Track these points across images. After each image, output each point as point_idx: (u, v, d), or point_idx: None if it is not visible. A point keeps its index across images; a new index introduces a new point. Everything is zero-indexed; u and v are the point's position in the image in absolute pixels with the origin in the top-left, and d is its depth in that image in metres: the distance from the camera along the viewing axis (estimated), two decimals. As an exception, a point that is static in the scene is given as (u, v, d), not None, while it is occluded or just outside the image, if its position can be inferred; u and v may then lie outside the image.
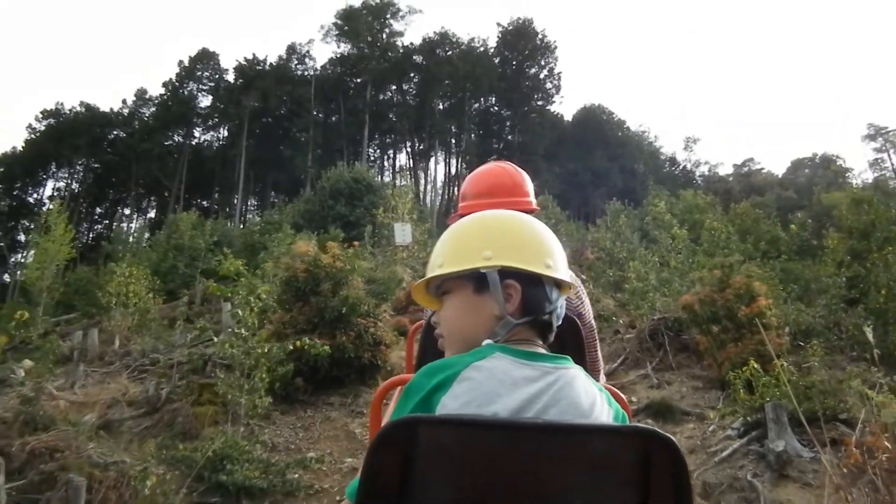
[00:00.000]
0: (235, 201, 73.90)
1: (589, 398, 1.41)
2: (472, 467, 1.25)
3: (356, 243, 14.42)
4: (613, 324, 14.31)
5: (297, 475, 7.91)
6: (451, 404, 1.39)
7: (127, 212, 76.27)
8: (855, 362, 10.94)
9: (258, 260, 20.73)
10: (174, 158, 73.16)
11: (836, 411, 7.86)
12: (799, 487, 6.83)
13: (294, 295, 10.87)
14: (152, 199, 78.41)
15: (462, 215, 2.50)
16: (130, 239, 42.04)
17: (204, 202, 74.91)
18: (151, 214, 75.18)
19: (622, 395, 1.93)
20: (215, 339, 9.88)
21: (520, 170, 3.10)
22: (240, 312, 8.73)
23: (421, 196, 72.49)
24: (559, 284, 1.64)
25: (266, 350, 8.57)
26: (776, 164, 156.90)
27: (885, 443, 5.19)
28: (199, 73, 77.24)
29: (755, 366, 8.44)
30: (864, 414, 7.34)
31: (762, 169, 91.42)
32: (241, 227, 49.92)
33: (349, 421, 9.75)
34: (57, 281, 25.10)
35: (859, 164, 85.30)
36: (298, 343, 8.86)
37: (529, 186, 3.05)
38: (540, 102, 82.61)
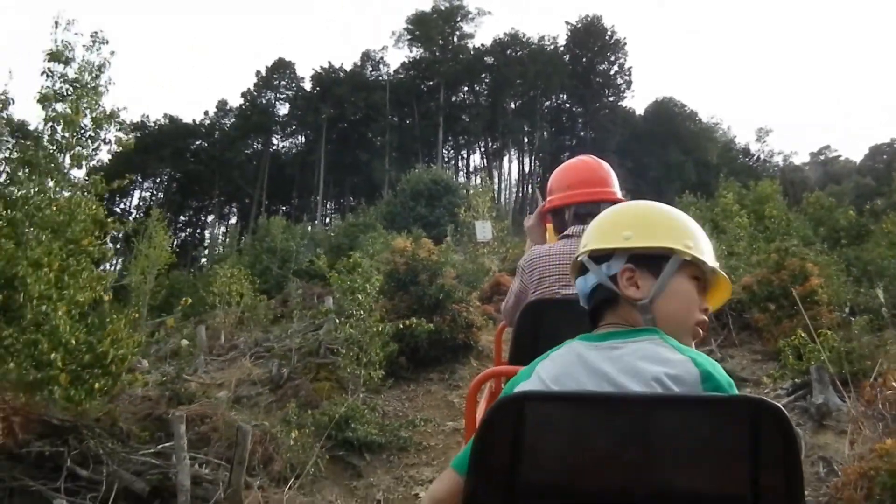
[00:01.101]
0: (315, 205, 75.92)
1: (651, 367, 1.42)
2: (579, 442, 1.30)
3: (447, 239, 15.93)
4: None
5: (407, 434, 9.46)
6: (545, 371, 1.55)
7: (210, 218, 79.07)
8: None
9: (347, 258, 22.33)
10: (254, 166, 75.53)
11: (873, 371, 9.00)
12: (835, 434, 8.04)
13: (395, 285, 12.46)
14: (233, 205, 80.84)
15: (551, 209, 3.33)
16: (217, 244, 44.31)
17: (283, 207, 76.97)
18: (233, 220, 77.47)
19: None
20: (337, 320, 11.40)
21: (604, 163, 3.34)
22: (359, 297, 10.32)
23: (495, 194, 73.72)
24: None
25: (380, 329, 10.17)
26: (854, 151, 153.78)
27: (893, 382, 6.44)
28: (277, 82, 79.53)
29: (802, 335, 9.64)
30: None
31: (839, 156, 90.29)
32: (327, 230, 51.74)
33: (447, 393, 11.26)
34: (159, 285, 26.95)
35: None
36: (407, 322, 10.51)
37: (614, 178, 3.27)
38: (611, 98, 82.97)
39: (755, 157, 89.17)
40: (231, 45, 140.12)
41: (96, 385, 7.82)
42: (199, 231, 78.74)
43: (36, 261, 7.12)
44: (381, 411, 10.34)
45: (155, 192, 74.77)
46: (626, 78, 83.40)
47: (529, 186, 76.22)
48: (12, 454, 7.98)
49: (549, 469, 1.30)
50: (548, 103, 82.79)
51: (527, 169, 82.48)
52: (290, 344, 13.31)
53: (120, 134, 9.37)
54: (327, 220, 74.78)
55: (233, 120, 78.20)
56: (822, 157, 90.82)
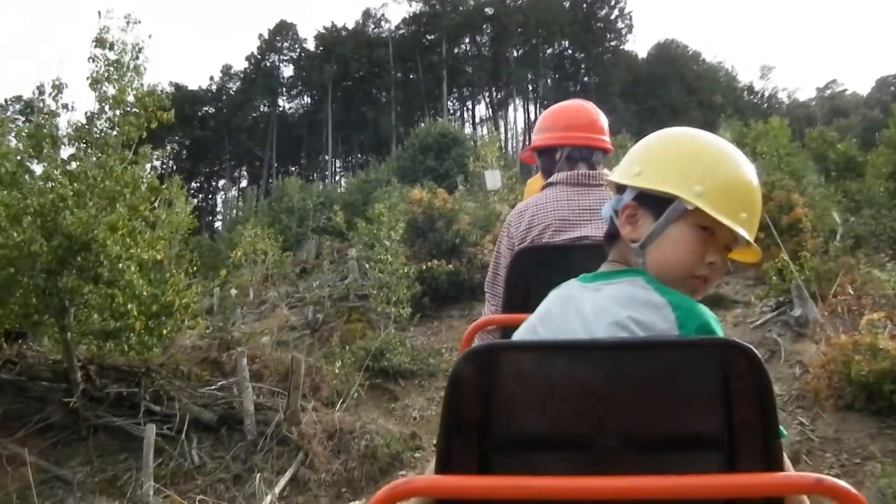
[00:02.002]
0: (325, 164, 76.80)
1: (609, 310, 1.40)
2: (550, 390, 1.29)
3: (460, 188, 17.05)
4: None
5: (435, 361, 10.75)
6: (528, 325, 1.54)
7: (221, 183, 79.99)
8: (893, 260, 13.05)
9: (363, 213, 23.39)
10: (262, 128, 76.24)
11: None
12: (811, 342, 9.17)
13: (415, 233, 13.70)
14: (243, 168, 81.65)
15: (536, 148, 3.17)
16: (231, 208, 45.39)
17: (293, 167, 77.66)
18: (244, 184, 78.15)
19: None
20: (367, 265, 12.67)
21: (597, 109, 3.17)
22: (387, 242, 11.55)
23: (502, 144, 74.39)
24: None
25: (406, 271, 11.42)
26: (861, 85, 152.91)
27: (850, 290, 7.57)
28: (280, 44, 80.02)
29: (784, 258, 10.73)
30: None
31: (846, 90, 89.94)
32: (339, 188, 52.74)
33: (468, 326, 12.43)
34: (184, 249, 28.09)
35: None
36: (428, 265, 11.77)
37: (605, 126, 3.10)
38: (613, 43, 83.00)
39: (760, 95, 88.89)
40: (233, 9, 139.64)
41: (164, 331, 9.01)
42: (210, 196, 79.69)
43: (112, 225, 8.24)
44: (410, 345, 11.56)
45: (165, 161, 75.71)
46: (627, 22, 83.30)
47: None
48: (93, 397, 9.22)
49: (521, 419, 1.31)
50: (550, 51, 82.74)
51: (532, 117, 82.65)
52: (320, 293, 14.53)
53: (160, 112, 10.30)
54: (337, 177, 75.58)
55: (238, 84, 78.70)
56: (828, 92, 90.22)
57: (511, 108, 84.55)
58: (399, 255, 11.87)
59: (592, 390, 1.28)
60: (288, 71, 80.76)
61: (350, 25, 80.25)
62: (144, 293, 8.68)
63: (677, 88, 77.66)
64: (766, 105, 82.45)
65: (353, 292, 13.66)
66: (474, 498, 1.21)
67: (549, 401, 1.29)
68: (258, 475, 7.90)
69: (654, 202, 1.46)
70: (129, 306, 8.45)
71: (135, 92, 9.98)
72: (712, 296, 11.89)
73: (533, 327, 1.50)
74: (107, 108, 9.81)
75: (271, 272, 20.31)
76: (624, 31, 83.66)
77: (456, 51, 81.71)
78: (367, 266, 12.72)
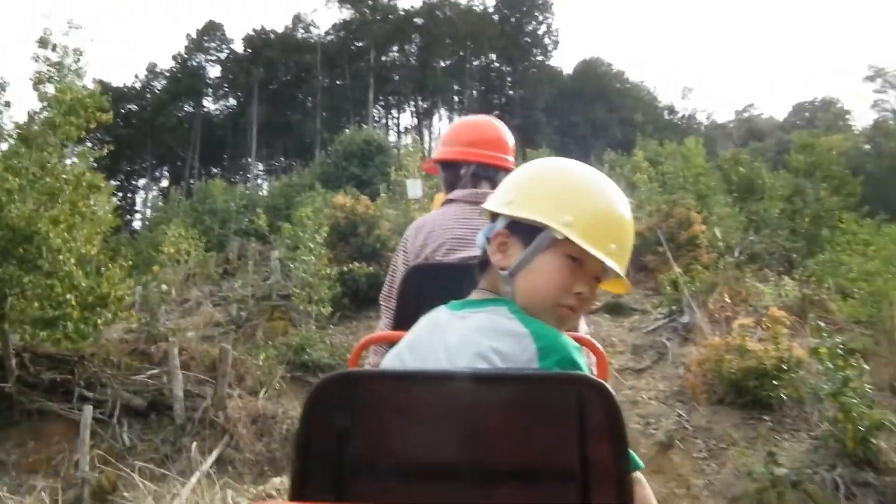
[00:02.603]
0: (247, 166, 76.62)
1: (470, 340, 1.41)
2: (408, 420, 1.31)
3: (382, 195, 17.89)
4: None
5: (353, 358, 11.50)
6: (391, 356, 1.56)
7: (142, 182, 79.12)
8: (780, 274, 14.19)
9: (286, 216, 23.95)
10: (185, 128, 75.72)
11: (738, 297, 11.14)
12: (696, 346, 10.14)
13: (337, 237, 14.42)
14: (164, 168, 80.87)
15: (441, 161, 3.07)
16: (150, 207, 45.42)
17: (215, 169, 77.29)
18: (164, 183, 77.40)
19: (596, 346, 2.09)
20: (292, 265, 13.34)
21: (505, 127, 3.14)
22: (311, 244, 12.25)
23: (426, 153, 74.91)
24: None
25: (328, 272, 12.15)
26: (777, 110, 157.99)
27: (726, 298, 8.56)
28: (207, 44, 79.65)
29: (678, 270, 11.75)
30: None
31: (762, 114, 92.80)
32: (261, 191, 52.98)
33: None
34: (104, 248, 28.23)
35: (861, 106, 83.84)
36: (349, 266, 12.52)
37: (512, 145, 3.09)
38: (539, 58, 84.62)
39: (679, 115, 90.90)
40: (159, 7, 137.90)
41: (99, 321, 9.57)
42: (130, 196, 78.73)
43: (55, 218, 8.79)
44: (330, 342, 12.26)
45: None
46: (554, 38, 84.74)
47: (460, 145, 77.22)
48: (27, 383, 9.72)
49: (378, 447, 1.31)
50: (477, 63, 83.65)
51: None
52: (243, 292, 15.13)
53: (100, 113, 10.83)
54: (259, 180, 75.51)
55: (163, 83, 78.11)
56: (745, 115, 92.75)
57: (436, 117, 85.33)
58: (322, 257, 12.61)
59: (449, 421, 1.29)
60: (214, 72, 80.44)
61: (280, 29, 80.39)
62: (82, 284, 9.25)
63: (600, 105, 78.76)
64: (685, 125, 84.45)
65: (276, 292, 14.30)
66: None
67: (405, 430, 1.31)
68: (187, 455, 8.53)
69: (524, 231, 1.48)
70: (68, 296, 9.02)
71: (74, 94, 10.48)
72: (612, 304, 12.89)
73: (400, 354, 1.52)
74: (47, 107, 10.34)
75: (194, 272, 20.74)
76: (550, 47, 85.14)
77: (384, 59, 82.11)
78: (291, 266, 13.40)
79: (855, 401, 6.48)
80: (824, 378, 7.14)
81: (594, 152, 52.40)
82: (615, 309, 12.83)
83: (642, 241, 14.51)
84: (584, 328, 2.71)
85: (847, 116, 69.58)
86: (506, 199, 1.52)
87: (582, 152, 67.71)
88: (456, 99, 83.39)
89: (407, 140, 70.65)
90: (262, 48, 75.66)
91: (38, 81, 10.22)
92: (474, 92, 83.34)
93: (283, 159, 77.90)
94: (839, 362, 6.81)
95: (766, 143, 58.85)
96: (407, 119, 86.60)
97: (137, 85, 78.38)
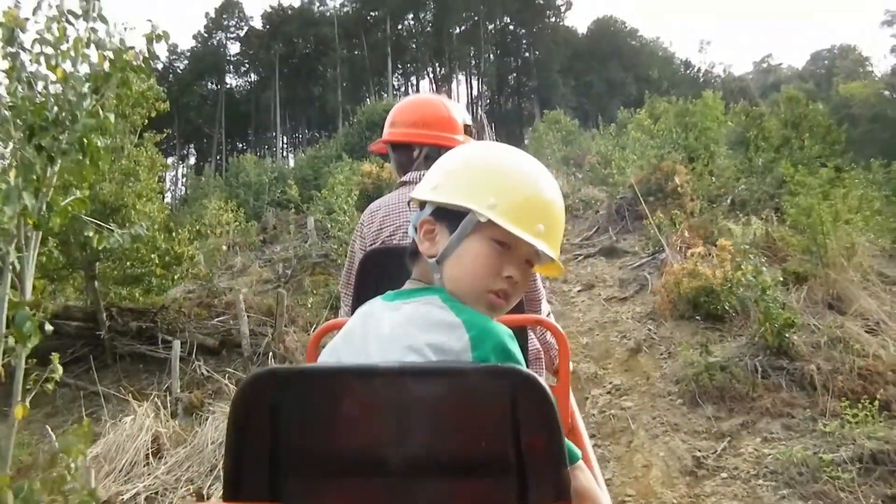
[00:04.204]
0: (273, 140, 78.34)
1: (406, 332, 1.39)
2: (341, 415, 1.30)
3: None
4: (594, 206, 19.41)
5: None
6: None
7: (170, 160, 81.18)
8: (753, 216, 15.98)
9: (315, 186, 25.89)
10: (210, 106, 77.57)
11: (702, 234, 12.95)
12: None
13: (366, 200, 16.37)
14: (191, 146, 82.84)
15: (393, 142, 3.08)
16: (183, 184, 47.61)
17: (240, 144, 79.23)
18: (192, 161, 79.42)
19: (557, 328, 2.22)
20: (330, 225, 15.37)
21: (457, 106, 3.12)
22: (344, 206, 14.25)
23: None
24: None
25: (360, 232, 14.23)
26: (796, 59, 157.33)
27: (686, 234, 10.51)
28: (226, 22, 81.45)
29: (661, 215, 13.62)
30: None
31: (781, 65, 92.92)
32: (288, 164, 54.85)
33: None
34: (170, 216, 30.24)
35: (879, 52, 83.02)
36: None
37: (461, 124, 3.06)
38: (553, 19, 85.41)
39: (696, 70, 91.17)
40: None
41: (176, 276, 11.68)
42: (160, 174, 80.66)
43: (139, 192, 10.88)
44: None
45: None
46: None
47: (478, 109, 78.56)
48: (117, 331, 11.84)
49: (311, 443, 1.31)
50: (492, 27, 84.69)
51: (475, 92, 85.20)
52: (285, 254, 17.24)
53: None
54: (285, 153, 77.27)
55: (186, 63, 79.95)
56: (764, 66, 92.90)
57: (454, 83, 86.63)
58: (354, 218, 14.58)
59: (381, 415, 1.28)
60: (235, 49, 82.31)
61: (296, 4, 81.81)
62: (162, 246, 11.34)
63: (615, 64, 79.50)
64: (702, 80, 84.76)
65: (314, 252, 16.37)
66: None
67: (337, 426, 1.29)
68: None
69: (450, 217, 1.46)
70: (151, 256, 11.13)
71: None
72: (607, 248, 14.81)
73: (335, 347, 1.50)
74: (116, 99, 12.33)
75: (235, 241, 22.79)
76: (563, 8, 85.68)
77: (399, 27, 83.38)
78: (329, 226, 15.38)
79: (772, 305, 8.41)
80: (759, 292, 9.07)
81: (610, 110, 53.54)
82: (610, 252, 14.73)
83: (634, 192, 16.35)
84: (546, 309, 2.93)
85: (866, 63, 69.65)
86: (431, 185, 1.50)
87: (599, 110, 68.65)
88: (472, 63, 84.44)
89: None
90: (280, 24, 77.26)
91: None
92: (490, 56, 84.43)
93: (307, 131, 79.68)
94: (765, 279, 8.75)
95: (784, 94, 59.16)
96: (426, 86, 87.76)
97: (160, 66, 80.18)
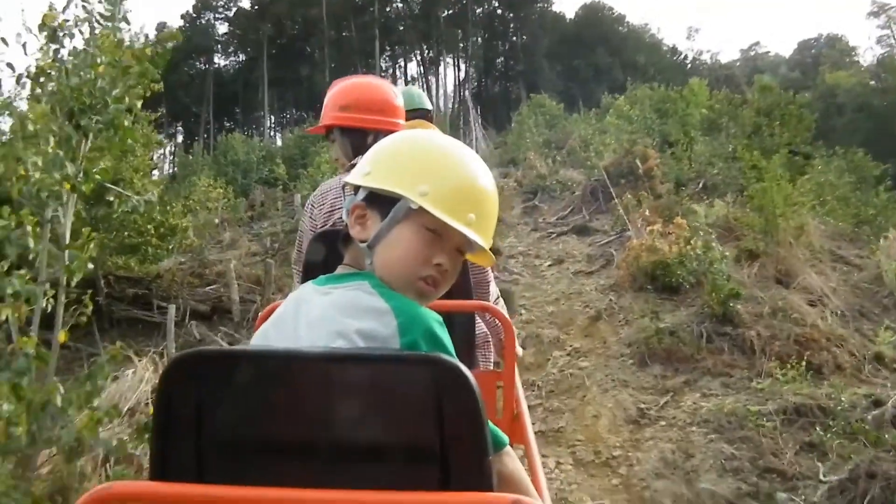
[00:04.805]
0: (261, 120, 78.67)
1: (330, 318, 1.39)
2: (264, 399, 1.30)
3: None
4: (571, 187, 20.18)
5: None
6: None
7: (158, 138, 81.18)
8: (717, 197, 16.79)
9: (302, 165, 26.56)
10: (198, 85, 77.67)
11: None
12: (636, 253, 12.89)
13: (351, 179, 17.19)
14: (179, 125, 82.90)
15: (344, 126, 3.01)
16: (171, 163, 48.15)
17: (228, 123, 79.35)
18: (179, 139, 79.58)
19: (502, 315, 2.30)
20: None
21: (397, 90, 3.16)
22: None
23: (434, 100, 76.89)
24: None
25: (345, 205, 15.01)
26: (784, 47, 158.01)
27: (647, 213, 11.33)
28: (215, 2, 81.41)
29: (629, 196, 14.42)
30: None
31: (768, 52, 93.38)
32: (275, 143, 55.38)
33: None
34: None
35: (865, 42, 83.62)
36: None
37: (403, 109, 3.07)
38: (541, 4, 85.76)
39: (683, 56, 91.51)
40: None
41: (170, 246, 12.44)
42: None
43: (136, 167, 11.61)
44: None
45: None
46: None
47: (466, 91, 78.73)
48: (114, 297, 12.58)
49: (236, 425, 1.30)
50: (480, 10, 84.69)
51: (462, 75, 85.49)
52: (273, 230, 17.99)
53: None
54: (272, 133, 77.59)
55: (174, 42, 79.76)
56: (752, 53, 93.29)
57: (442, 66, 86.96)
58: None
59: (305, 400, 1.28)
60: (223, 29, 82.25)
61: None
62: (157, 217, 12.09)
63: (602, 49, 79.35)
64: (689, 66, 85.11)
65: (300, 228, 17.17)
66: None
67: (262, 409, 1.29)
68: (245, 343, 11.36)
69: (382, 202, 1.46)
70: (148, 227, 11.87)
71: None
72: (579, 226, 15.62)
73: (266, 330, 1.51)
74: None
75: (225, 216, 23.47)
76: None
77: (388, 10, 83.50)
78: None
79: (718, 277, 9.25)
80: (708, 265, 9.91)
81: (596, 95, 54.08)
82: (581, 230, 15.58)
83: (607, 175, 17.15)
84: (494, 292, 2.97)
85: (853, 53, 70.34)
86: (364, 170, 1.50)
87: (585, 94, 69.04)
88: (461, 46, 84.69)
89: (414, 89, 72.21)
90: (268, 4, 77.05)
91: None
92: (478, 39, 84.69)
93: (294, 111, 79.99)
94: (714, 254, 9.60)
95: (771, 81, 59.81)
96: (414, 69, 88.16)
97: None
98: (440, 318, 1.40)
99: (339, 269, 1.54)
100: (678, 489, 6.26)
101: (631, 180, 16.52)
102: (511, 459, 1.51)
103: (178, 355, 1.32)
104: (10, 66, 4.73)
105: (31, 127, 4.48)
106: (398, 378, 1.26)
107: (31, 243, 4.25)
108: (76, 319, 4.59)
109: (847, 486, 5.65)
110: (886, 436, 6.53)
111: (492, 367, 2.87)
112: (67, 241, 4.48)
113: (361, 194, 1.49)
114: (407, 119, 3.12)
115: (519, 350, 2.38)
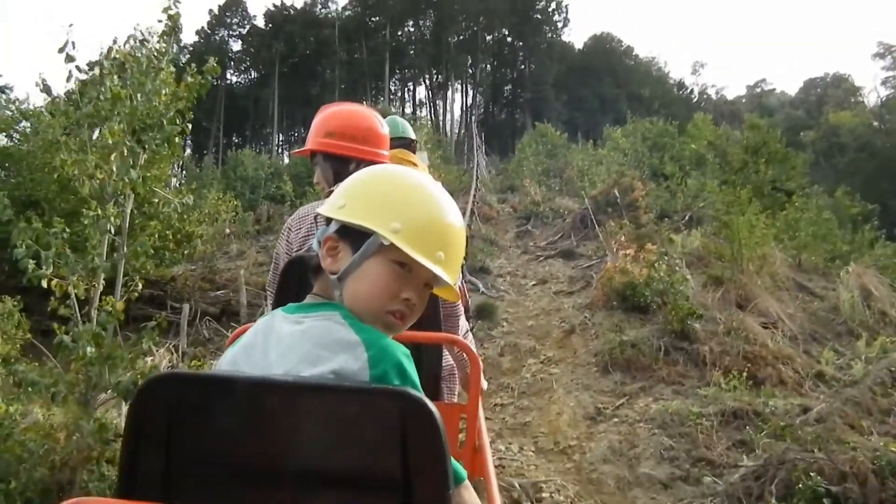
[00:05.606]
0: (268, 137, 79.66)
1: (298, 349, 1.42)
2: (231, 424, 1.31)
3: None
4: (563, 215, 21.28)
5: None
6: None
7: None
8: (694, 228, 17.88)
9: (308, 183, 27.50)
10: (209, 100, 78.76)
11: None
12: (615, 276, 13.95)
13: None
14: (188, 138, 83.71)
15: (329, 154, 3.02)
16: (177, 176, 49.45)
17: (236, 139, 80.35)
18: (187, 153, 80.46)
19: (470, 349, 2.29)
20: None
21: (383, 121, 3.20)
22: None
23: (441, 125, 78.12)
24: None
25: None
26: (791, 84, 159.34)
27: (623, 239, 12.41)
28: (229, 20, 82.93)
29: (612, 224, 15.51)
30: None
31: (774, 90, 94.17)
32: (282, 160, 56.41)
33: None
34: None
35: (870, 83, 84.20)
36: None
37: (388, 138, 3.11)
38: (550, 34, 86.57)
39: (689, 91, 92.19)
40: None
41: (186, 251, 13.53)
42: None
43: (158, 177, 12.70)
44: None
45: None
46: (564, 15, 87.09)
47: (472, 117, 79.62)
48: (129, 298, 13.62)
49: (204, 449, 1.32)
50: (489, 38, 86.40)
51: (469, 101, 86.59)
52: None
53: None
54: (280, 150, 78.69)
55: (188, 57, 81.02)
56: (757, 90, 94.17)
57: (450, 91, 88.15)
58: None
59: (273, 427, 1.30)
60: (236, 46, 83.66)
61: (298, 5, 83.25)
62: (175, 224, 13.18)
63: (609, 80, 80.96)
64: (695, 101, 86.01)
65: (307, 240, 18.21)
66: None
67: (229, 435, 1.30)
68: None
69: (355, 236, 1.47)
70: (166, 232, 12.97)
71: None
72: (566, 250, 16.71)
73: (235, 356, 1.51)
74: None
75: (232, 229, 24.48)
76: (560, 23, 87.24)
77: (399, 34, 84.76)
78: (320, 218, 17.19)
79: (678, 298, 10.35)
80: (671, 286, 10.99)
81: (601, 126, 54.92)
82: (568, 255, 16.66)
83: (596, 204, 18.25)
84: (463, 326, 3.00)
85: (858, 94, 71.16)
86: (338, 203, 1.51)
87: (591, 125, 69.84)
88: (469, 73, 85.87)
89: (423, 112, 73.56)
90: (282, 23, 78.48)
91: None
92: (487, 66, 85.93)
93: (303, 130, 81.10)
94: (676, 277, 10.69)
95: (776, 119, 60.30)
96: (422, 92, 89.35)
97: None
98: (408, 352, 1.44)
99: (309, 299, 1.57)
100: (621, 472, 7.28)
101: (617, 209, 17.62)
102: (469, 493, 1.57)
103: (152, 376, 1.36)
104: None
105: (109, 140, 5.62)
106: (366, 410, 1.29)
107: (112, 230, 5.46)
108: (130, 293, 5.71)
109: (761, 472, 6.64)
110: (800, 432, 7.54)
111: (455, 400, 2.95)
112: (127, 233, 5.63)
113: (334, 226, 1.51)
114: (390, 147, 3.17)
115: (483, 383, 2.39)
